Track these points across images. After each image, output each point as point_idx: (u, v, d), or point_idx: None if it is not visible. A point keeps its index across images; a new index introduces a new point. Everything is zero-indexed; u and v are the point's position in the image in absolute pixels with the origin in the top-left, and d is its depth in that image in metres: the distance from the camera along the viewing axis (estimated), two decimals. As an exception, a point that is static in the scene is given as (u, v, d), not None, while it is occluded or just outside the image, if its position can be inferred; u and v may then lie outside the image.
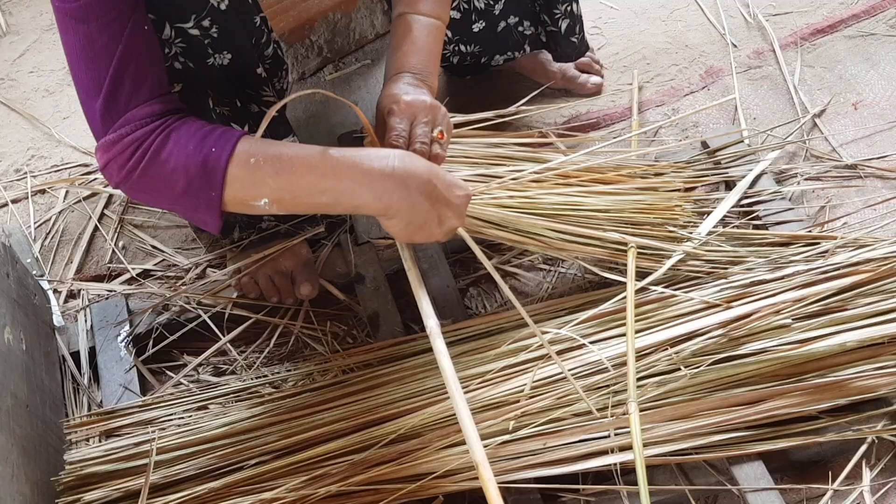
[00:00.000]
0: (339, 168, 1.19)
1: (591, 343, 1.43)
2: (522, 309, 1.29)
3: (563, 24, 1.84)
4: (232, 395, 1.53)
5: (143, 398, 1.55)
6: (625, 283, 1.46)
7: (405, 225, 1.26)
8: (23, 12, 2.34)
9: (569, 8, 1.83)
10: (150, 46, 1.18)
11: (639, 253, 1.51)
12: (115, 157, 1.15)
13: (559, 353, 1.45)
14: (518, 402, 1.39)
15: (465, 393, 1.40)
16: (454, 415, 1.24)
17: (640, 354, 1.42)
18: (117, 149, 1.15)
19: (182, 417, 1.49)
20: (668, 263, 1.53)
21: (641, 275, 1.51)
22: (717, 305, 1.47)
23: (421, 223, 1.26)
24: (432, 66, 1.38)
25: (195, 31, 1.28)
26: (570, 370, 1.42)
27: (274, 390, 1.52)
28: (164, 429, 1.47)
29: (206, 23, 1.28)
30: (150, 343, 1.63)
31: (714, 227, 1.62)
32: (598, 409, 1.37)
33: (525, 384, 1.40)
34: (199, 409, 1.52)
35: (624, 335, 1.44)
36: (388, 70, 1.39)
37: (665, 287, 1.51)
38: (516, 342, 1.48)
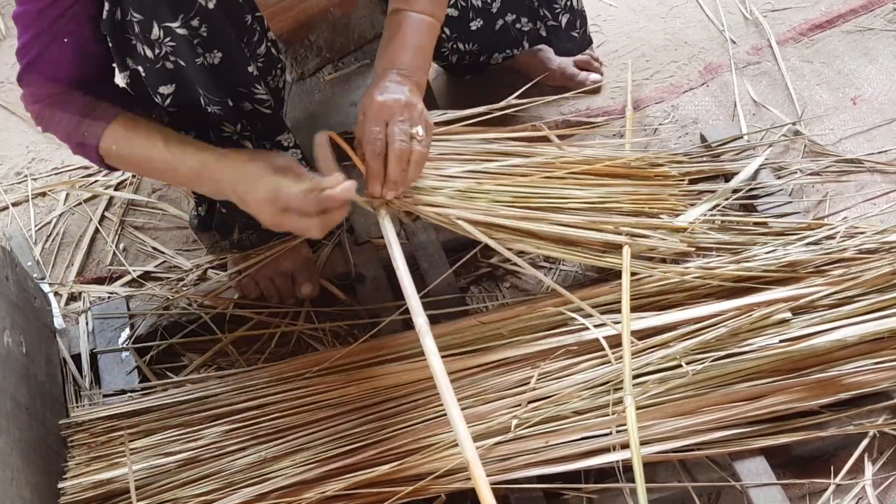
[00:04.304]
0: (174, 163, 1.34)
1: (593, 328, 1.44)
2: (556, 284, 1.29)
3: (564, 19, 1.84)
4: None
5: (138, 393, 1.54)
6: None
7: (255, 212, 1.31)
8: (22, 16, 2.34)
9: (569, 3, 1.82)
10: (70, 54, 1.33)
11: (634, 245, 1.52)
12: (26, 106, 1.39)
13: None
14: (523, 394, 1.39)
15: (466, 391, 1.42)
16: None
17: (639, 338, 1.43)
18: (25, 101, 1.39)
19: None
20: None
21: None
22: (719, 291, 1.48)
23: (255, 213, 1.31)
24: (420, 62, 1.37)
25: (183, 31, 1.28)
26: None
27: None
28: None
29: (194, 22, 1.28)
30: (152, 345, 1.62)
31: (706, 216, 1.62)
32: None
33: (531, 376, 1.41)
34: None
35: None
36: (375, 67, 1.38)
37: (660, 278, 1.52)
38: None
